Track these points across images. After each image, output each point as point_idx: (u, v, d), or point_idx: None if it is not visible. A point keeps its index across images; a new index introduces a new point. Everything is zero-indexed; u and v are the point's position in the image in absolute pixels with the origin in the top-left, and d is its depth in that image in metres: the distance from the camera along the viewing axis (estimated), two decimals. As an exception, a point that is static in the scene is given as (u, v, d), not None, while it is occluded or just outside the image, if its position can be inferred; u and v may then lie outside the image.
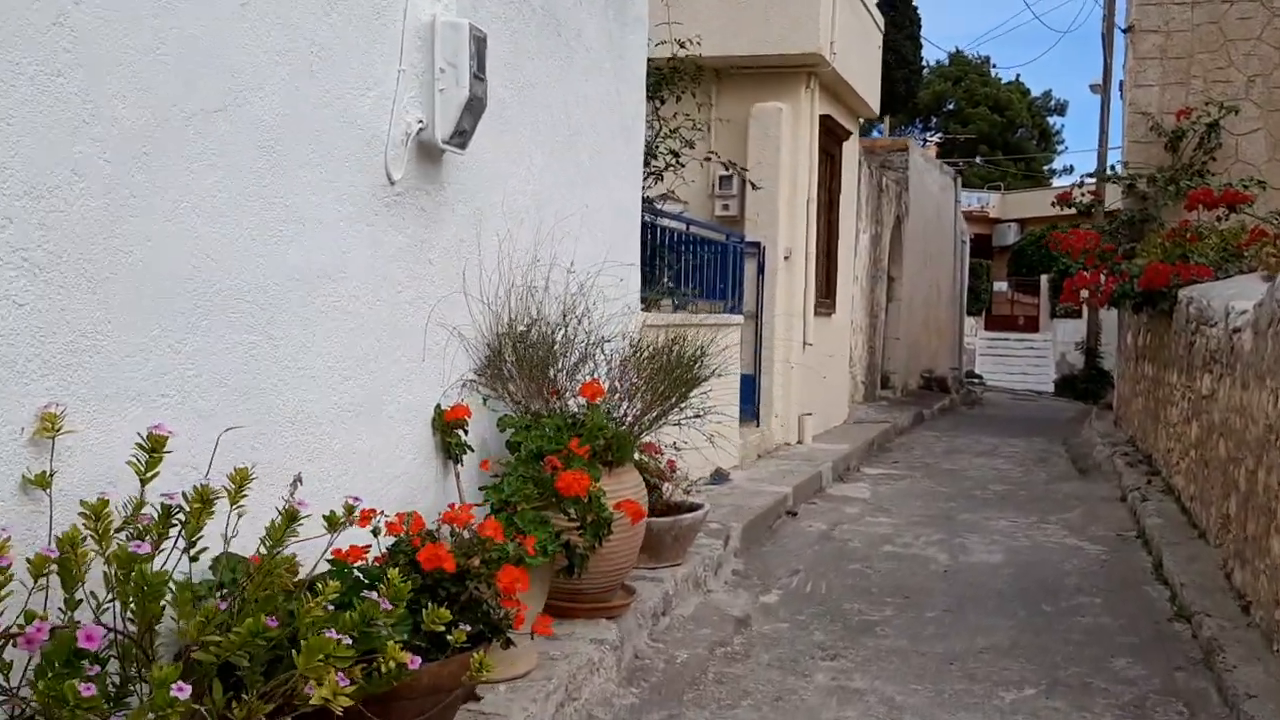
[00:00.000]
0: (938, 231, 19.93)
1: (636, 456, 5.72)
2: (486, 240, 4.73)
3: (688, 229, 8.21)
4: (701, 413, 5.31)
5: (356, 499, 2.91)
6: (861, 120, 13.26)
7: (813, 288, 11.04)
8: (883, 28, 13.09)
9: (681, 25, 9.25)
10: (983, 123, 43.17)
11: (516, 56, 4.94)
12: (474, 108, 4.03)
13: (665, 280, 7.68)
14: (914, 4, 31.62)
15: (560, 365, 4.96)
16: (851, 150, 12.74)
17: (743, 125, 10.42)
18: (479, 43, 4.01)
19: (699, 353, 5.21)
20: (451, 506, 3.85)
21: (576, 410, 4.84)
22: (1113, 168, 14.74)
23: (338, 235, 3.66)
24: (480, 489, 4.28)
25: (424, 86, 4.00)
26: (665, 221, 7.90)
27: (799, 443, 10.82)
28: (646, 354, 5.06)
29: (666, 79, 8.09)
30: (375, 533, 3.22)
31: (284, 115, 3.35)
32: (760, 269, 10.31)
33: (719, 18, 10.19)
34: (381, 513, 3.26)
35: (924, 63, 35.21)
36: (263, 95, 3.25)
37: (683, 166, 8.16)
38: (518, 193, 5.04)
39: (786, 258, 10.55)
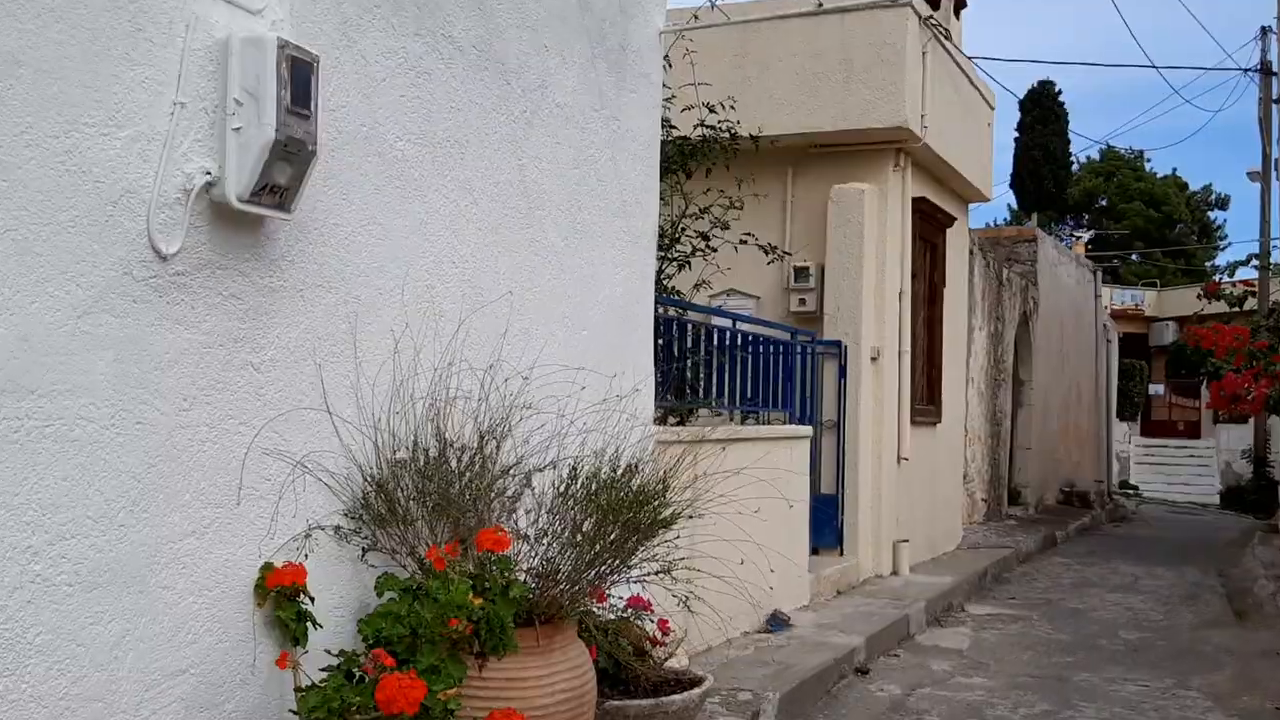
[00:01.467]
0: (1076, 329, 18.12)
1: (614, 615, 4.47)
2: (371, 339, 3.59)
3: (734, 325, 6.96)
4: (668, 567, 4.00)
5: None
6: (971, 205, 11.86)
7: (907, 393, 9.58)
8: (994, 104, 11.74)
9: (742, 101, 8.15)
10: (1137, 218, 40.87)
11: (427, 104, 3.84)
12: (291, 154, 2.91)
13: (695, 387, 6.42)
14: (1060, 99, 30.12)
15: (487, 500, 3.75)
16: (959, 238, 11.33)
17: (822, 210, 9.16)
18: (299, 66, 2.91)
19: (660, 487, 3.93)
20: None
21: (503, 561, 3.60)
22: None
23: (52, 331, 2.55)
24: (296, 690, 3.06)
25: (216, 125, 2.91)
26: (696, 317, 6.66)
27: (893, 574, 9.29)
28: (581, 489, 3.79)
29: (695, 151, 6.87)
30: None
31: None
32: (841, 372, 8.95)
33: (794, 91, 9.03)
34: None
35: (1073, 158, 33.50)
36: None
37: (714, 251, 6.91)
38: (433, 276, 3.90)
39: (874, 359, 9.17)
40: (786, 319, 9.20)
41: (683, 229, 6.69)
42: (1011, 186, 29.85)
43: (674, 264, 6.63)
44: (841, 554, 8.85)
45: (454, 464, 3.72)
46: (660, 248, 6.44)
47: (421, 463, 3.67)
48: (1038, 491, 15.62)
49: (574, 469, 3.88)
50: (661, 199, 6.15)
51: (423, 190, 3.83)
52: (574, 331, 4.86)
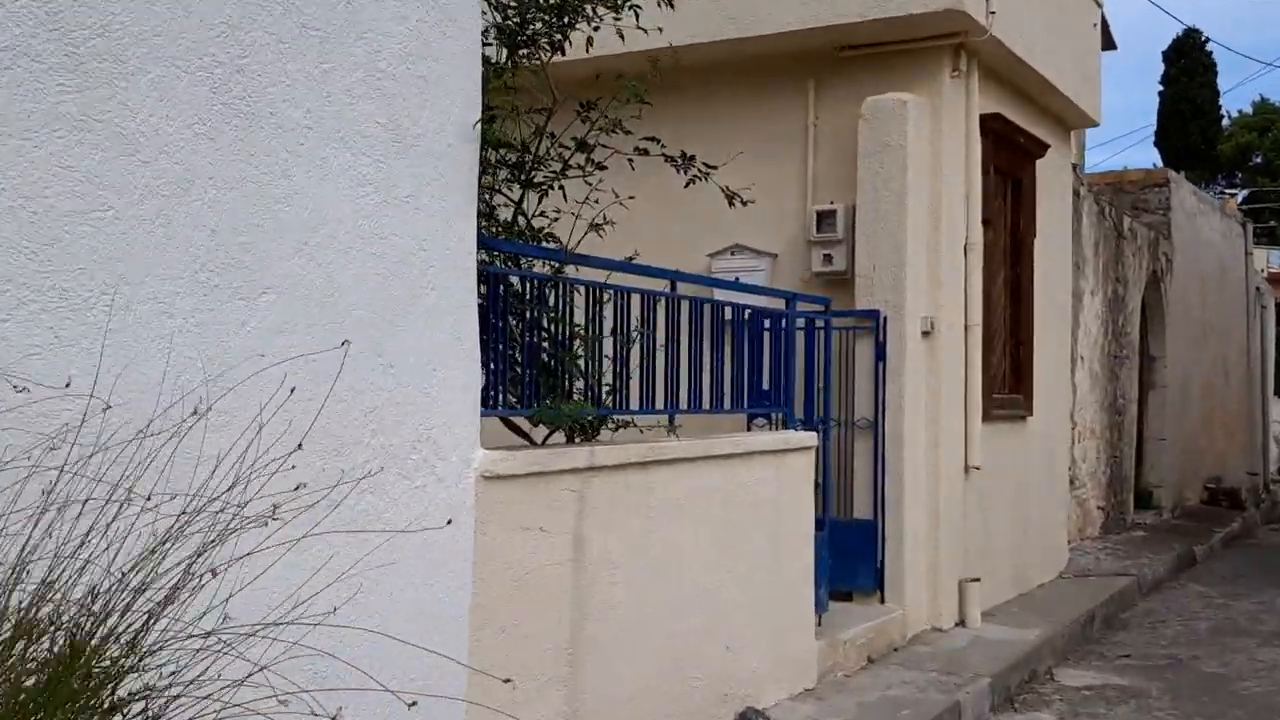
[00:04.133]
0: (1221, 292, 15.16)
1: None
2: None
3: (672, 291, 4.64)
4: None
5: None
6: (1073, 132, 9.25)
7: (978, 379, 7.13)
8: (1101, 3, 9.11)
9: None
10: (1297, 175, 36.93)
11: None
12: None
13: (591, 384, 4.15)
14: (1208, 49, 26.79)
15: None
16: (1057, 173, 8.74)
17: (855, 135, 6.77)
18: None
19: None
20: None
21: None
22: None
23: None
24: None
25: None
26: (598, 277, 4.31)
27: (958, 624, 6.88)
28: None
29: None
30: None
31: None
32: (878, 353, 6.57)
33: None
34: None
35: (1223, 112, 30.12)
36: None
37: (594, 170, 4.46)
38: None
39: (926, 334, 6.76)
40: (810, 285, 6.86)
41: (554, 145, 4.31)
42: (1156, 144, 27.45)
43: (538, 191, 4.32)
44: (882, 600, 6.49)
45: None
46: (518, 167, 4.19)
47: None
48: (1174, 491, 12.85)
49: None
50: (507, 87, 3.91)
51: None
52: (230, 297, 2.68)
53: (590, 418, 4.15)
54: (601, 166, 4.41)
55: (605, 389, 4.27)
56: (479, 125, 3.46)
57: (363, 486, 3.01)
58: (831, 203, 6.86)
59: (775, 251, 7.13)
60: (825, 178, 7.00)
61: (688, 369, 4.72)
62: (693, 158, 4.63)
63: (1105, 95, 9.25)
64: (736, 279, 7.11)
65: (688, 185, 4.69)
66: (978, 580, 7.00)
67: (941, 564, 6.79)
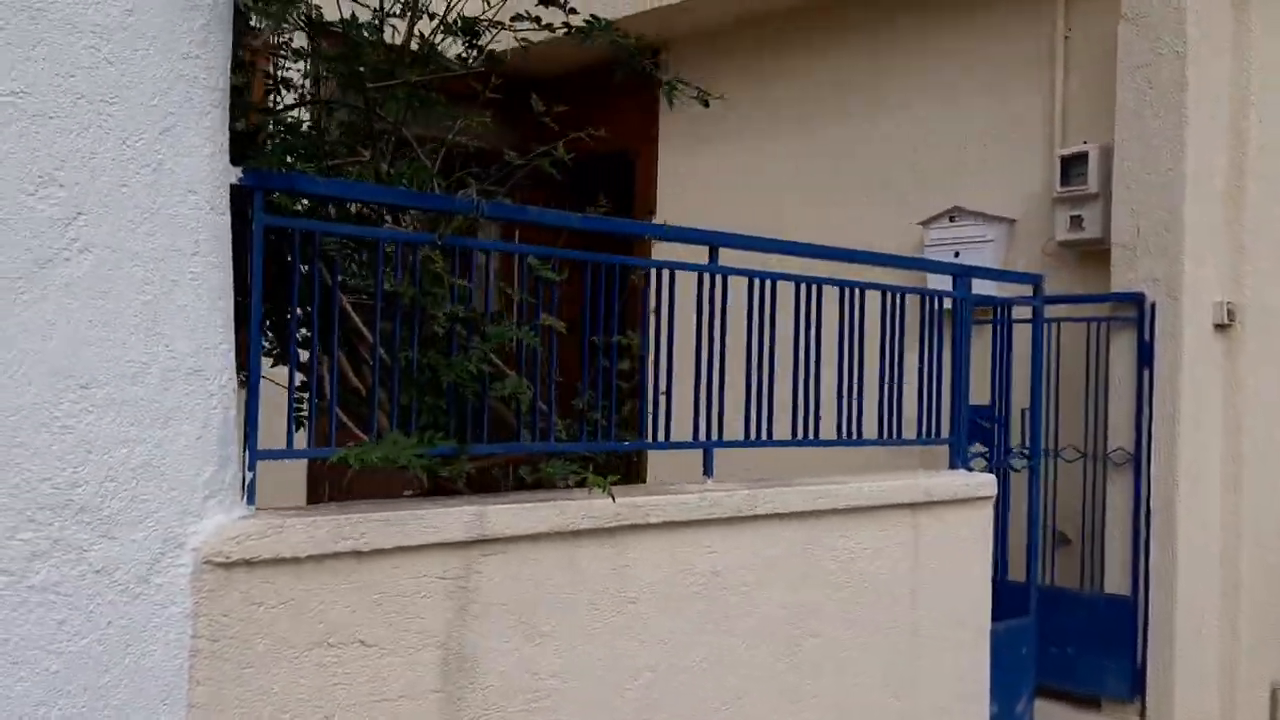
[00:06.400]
0: None
1: None
2: None
3: (712, 256, 3.01)
4: None
5: None
6: None
7: (1315, 393, 4.89)
8: None
9: None
10: None
11: None
12: None
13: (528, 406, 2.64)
14: None
15: None
16: None
17: (1110, 49, 4.78)
18: None
19: None
20: None
21: None
22: None
23: None
24: None
25: None
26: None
27: (1275, 751, 4.72)
28: None
29: None
30: None
31: None
32: (1143, 355, 4.55)
33: None
34: None
35: None
36: None
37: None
38: None
39: (1221, 325, 4.65)
40: (1054, 260, 4.98)
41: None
42: None
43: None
44: (1143, 714, 4.49)
45: None
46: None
47: None
48: None
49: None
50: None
51: None
52: None
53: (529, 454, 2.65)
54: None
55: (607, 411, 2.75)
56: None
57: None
58: (1085, 143, 4.90)
59: (1010, 215, 5.24)
60: (1078, 112, 5.05)
61: (756, 375, 3.10)
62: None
63: None
64: (956, 254, 5.34)
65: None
66: (1308, 688, 4.79)
67: (1241, 661, 4.65)
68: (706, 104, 2.76)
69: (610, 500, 2.57)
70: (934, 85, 5.51)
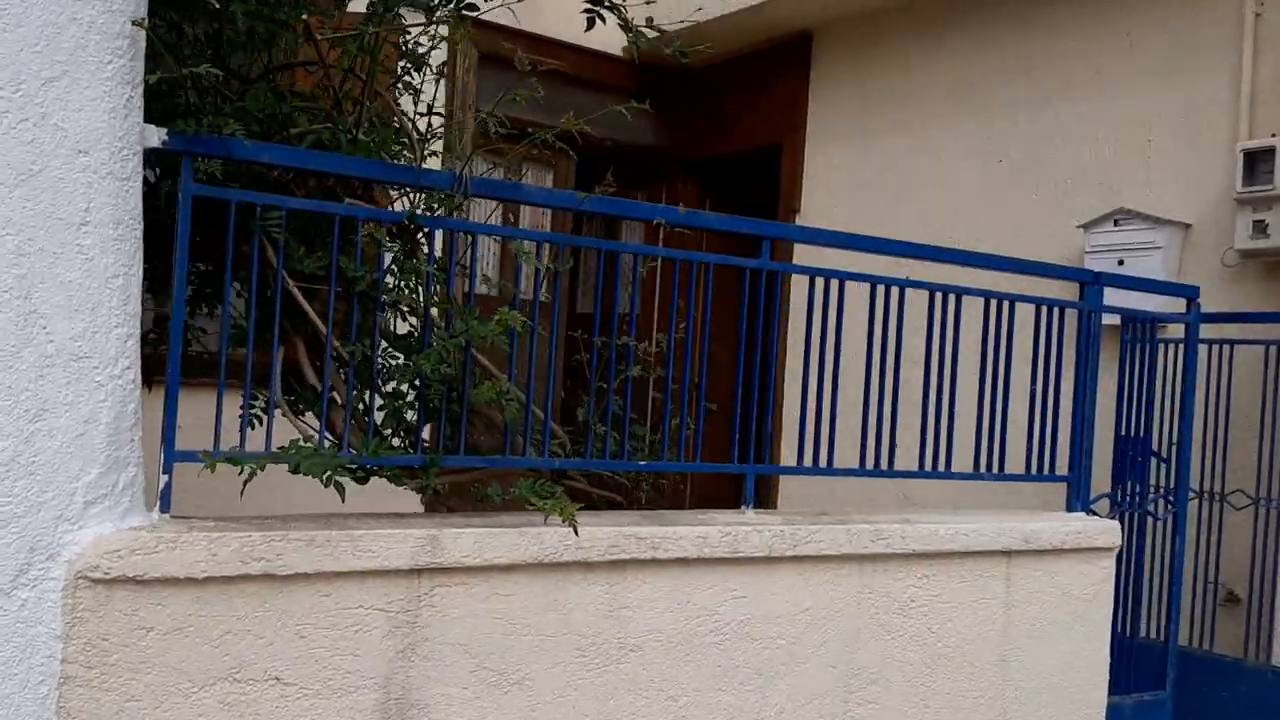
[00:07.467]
0: None
1: None
2: None
3: (764, 250, 2.55)
4: None
5: None
6: None
7: None
8: None
9: None
10: None
11: None
12: None
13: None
14: None
15: None
16: None
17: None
18: None
19: None
20: None
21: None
22: None
23: None
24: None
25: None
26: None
27: None
28: None
29: None
30: None
31: None
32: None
33: None
34: None
35: None
36: None
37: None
38: None
39: None
40: (1234, 273, 4.30)
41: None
42: None
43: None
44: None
45: None
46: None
47: None
48: None
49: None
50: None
51: None
52: None
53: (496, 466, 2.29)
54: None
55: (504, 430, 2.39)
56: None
57: None
58: (1274, 135, 4.20)
59: (1183, 219, 4.56)
60: (1268, 101, 4.35)
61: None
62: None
63: None
64: (1120, 262, 4.75)
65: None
66: None
67: None
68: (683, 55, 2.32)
69: (572, 531, 2.17)
70: (1099, 71, 4.88)
